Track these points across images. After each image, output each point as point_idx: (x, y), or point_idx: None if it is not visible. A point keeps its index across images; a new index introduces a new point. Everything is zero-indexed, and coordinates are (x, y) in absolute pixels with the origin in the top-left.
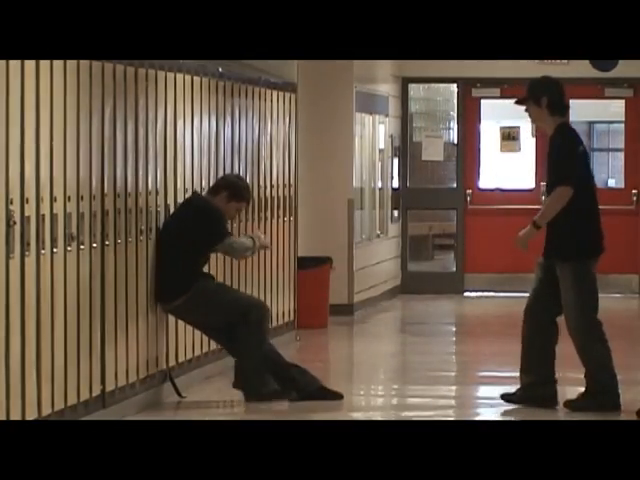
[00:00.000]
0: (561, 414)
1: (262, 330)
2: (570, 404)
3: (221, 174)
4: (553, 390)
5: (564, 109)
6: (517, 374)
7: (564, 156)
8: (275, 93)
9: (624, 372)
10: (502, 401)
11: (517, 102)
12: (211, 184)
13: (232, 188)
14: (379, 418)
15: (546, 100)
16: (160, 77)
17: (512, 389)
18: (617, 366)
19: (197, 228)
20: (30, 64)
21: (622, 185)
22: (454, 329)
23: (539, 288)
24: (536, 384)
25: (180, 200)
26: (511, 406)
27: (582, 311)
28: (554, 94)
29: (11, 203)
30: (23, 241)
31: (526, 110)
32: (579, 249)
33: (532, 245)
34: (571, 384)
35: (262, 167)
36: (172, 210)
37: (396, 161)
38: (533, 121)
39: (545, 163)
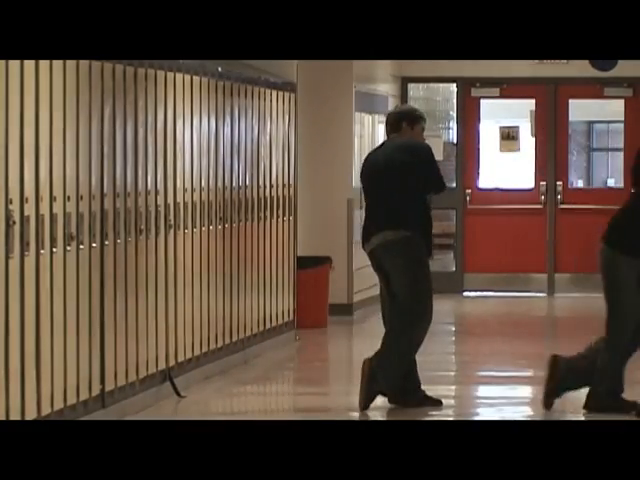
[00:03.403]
0: (561, 414)
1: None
2: None
3: (220, 174)
4: None
5: None
6: (516, 374)
7: None
8: (275, 93)
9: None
10: (502, 400)
11: None
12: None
13: (408, 116)
14: (378, 418)
15: None
16: (160, 77)
17: (512, 389)
18: None
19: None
20: (30, 64)
21: (621, 185)
22: (453, 329)
23: None
24: None
25: (180, 200)
26: (510, 406)
27: None
28: None
29: (10, 203)
30: (23, 241)
31: None
32: None
33: (531, 245)
34: None
35: (262, 167)
36: (172, 210)
37: None
38: None
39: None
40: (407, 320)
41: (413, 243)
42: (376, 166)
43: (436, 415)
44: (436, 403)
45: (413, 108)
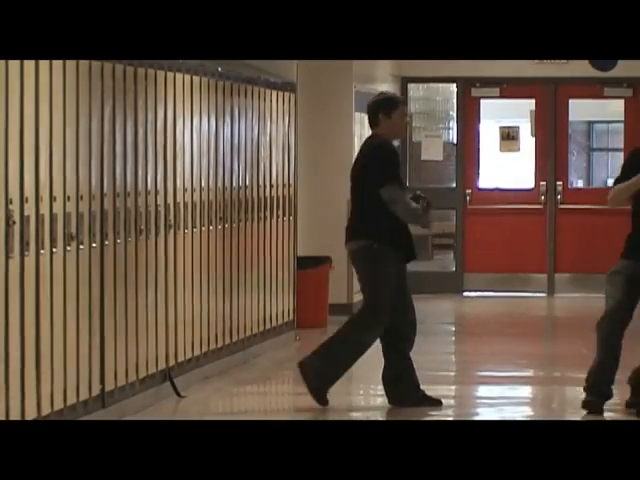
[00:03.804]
0: (561, 414)
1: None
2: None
3: (220, 174)
4: None
5: None
6: (516, 374)
7: None
8: (275, 93)
9: (623, 372)
10: (502, 400)
11: None
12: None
13: (383, 105)
14: (378, 418)
15: None
16: (160, 77)
17: (512, 389)
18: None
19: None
20: (29, 64)
21: None
22: (453, 329)
23: None
24: None
25: (180, 200)
26: (510, 406)
27: None
28: None
29: (10, 203)
30: (22, 241)
31: None
32: None
33: (531, 245)
34: None
35: (261, 167)
36: (172, 210)
37: None
38: None
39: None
40: (357, 325)
41: (372, 253)
42: (351, 172)
43: (436, 415)
44: (435, 403)
45: (387, 95)
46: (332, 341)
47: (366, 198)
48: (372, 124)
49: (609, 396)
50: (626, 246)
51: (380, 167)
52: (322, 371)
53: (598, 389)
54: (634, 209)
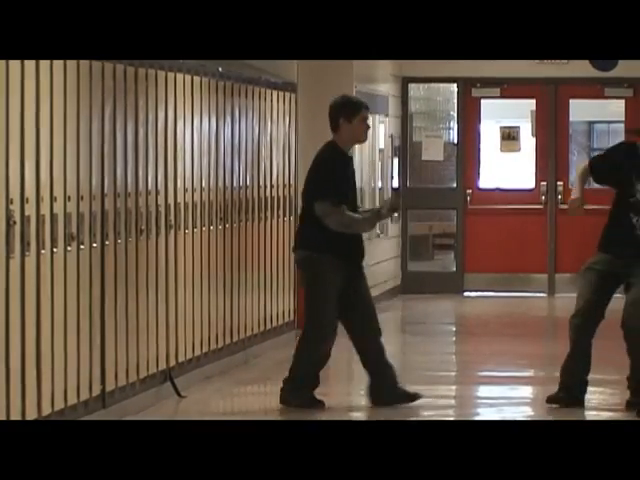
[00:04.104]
0: (561, 414)
1: None
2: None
3: (221, 174)
4: None
5: None
6: (516, 374)
7: None
8: (275, 93)
9: (623, 371)
10: (503, 400)
11: (632, 132)
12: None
13: (344, 109)
14: (379, 418)
15: None
16: (160, 77)
17: (512, 389)
18: (616, 365)
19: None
20: (30, 64)
21: None
22: (454, 329)
23: None
24: None
25: (180, 200)
26: (510, 406)
27: None
28: None
29: (11, 203)
30: (23, 241)
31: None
32: None
33: (531, 245)
34: None
35: (262, 167)
36: (173, 210)
37: (396, 161)
38: None
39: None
40: (307, 340)
41: (309, 263)
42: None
43: (436, 415)
44: (414, 398)
45: (349, 98)
46: (293, 361)
47: (307, 207)
48: (332, 128)
49: (578, 399)
50: (602, 239)
51: (316, 180)
52: (295, 387)
53: (567, 388)
54: (613, 201)
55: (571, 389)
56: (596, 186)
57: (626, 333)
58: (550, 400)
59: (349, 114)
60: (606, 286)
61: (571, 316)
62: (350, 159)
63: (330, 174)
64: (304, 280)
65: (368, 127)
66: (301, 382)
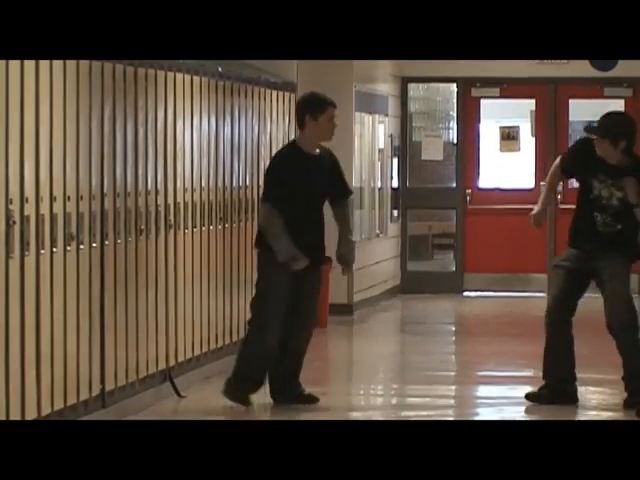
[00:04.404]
0: (560, 414)
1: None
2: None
3: (221, 174)
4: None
5: (634, 145)
6: (516, 374)
7: None
8: (275, 93)
9: (623, 372)
10: (502, 400)
11: (588, 131)
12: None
13: (310, 107)
14: (379, 418)
15: (624, 144)
16: (160, 77)
17: (512, 389)
18: (615, 365)
19: None
20: (30, 64)
21: None
22: (453, 329)
23: None
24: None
25: (180, 200)
26: (510, 406)
27: None
28: (632, 138)
29: (11, 203)
30: (23, 241)
31: (597, 142)
32: None
33: (531, 245)
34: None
35: (262, 167)
36: (172, 210)
37: (396, 161)
38: (600, 153)
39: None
40: (247, 341)
41: (259, 259)
42: None
43: (435, 415)
44: (314, 400)
45: (315, 95)
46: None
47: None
48: (299, 125)
49: (565, 394)
50: (569, 234)
51: (266, 181)
52: (236, 377)
53: (548, 386)
54: (577, 197)
55: (553, 387)
56: None
57: (611, 332)
58: (529, 397)
59: (315, 111)
60: (574, 282)
61: (545, 314)
62: (313, 158)
63: (276, 174)
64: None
65: (335, 125)
66: (241, 377)
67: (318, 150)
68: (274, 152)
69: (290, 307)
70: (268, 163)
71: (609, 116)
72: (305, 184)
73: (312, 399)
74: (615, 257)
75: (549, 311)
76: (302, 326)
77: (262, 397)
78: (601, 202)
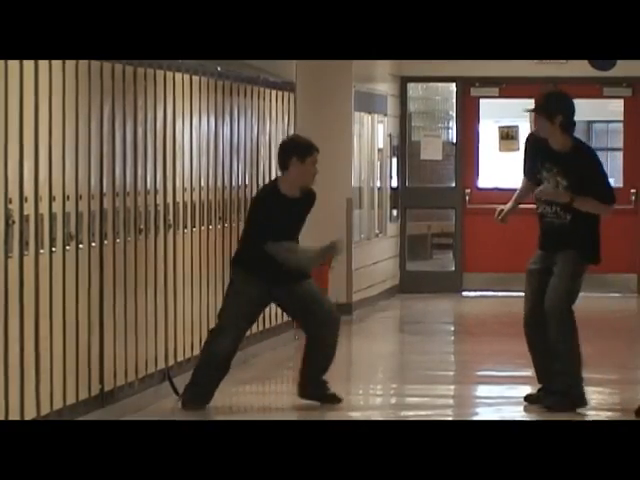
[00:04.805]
0: (560, 414)
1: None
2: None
3: (220, 173)
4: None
5: (574, 127)
6: (515, 374)
7: (605, 176)
8: (274, 92)
9: (622, 371)
10: (501, 400)
11: (529, 110)
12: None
13: (299, 149)
14: (378, 418)
15: (560, 118)
16: (159, 76)
17: (511, 389)
18: (615, 365)
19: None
20: (29, 64)
21: (621, 184)
22: (452, 328)
23: None
24: None
25: (179, 199)
26: (509, 405)
27: None
28: (568, 112)
29: (10, 202)
30: (22, 240)
31: (536, 121)
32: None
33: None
34: None
35: (261, 166)
36: (172, 209)
37: (395, 160)
38: (541, 134)
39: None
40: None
41: (232, 276)
42: None
43: (434, 415)
44: (338, 400)
45: (303, 139)
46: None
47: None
48: (282, 166)
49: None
50: (538, 237)
51: (253, 223)
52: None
53: (544, 388)
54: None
55: (546, 388)
56: None
57: (547, 317)
58: (528, 399)
59: (304, 154)
60: (543, 282)
61: (524, 320)
62: (292, 201)
63: (263, 215)
64: None
65: (316, 171)
66: (197, 380)
67: (298, 193)
68: (274, 150)
69: (305, 320)
70: (251, 206)
71: (546, 94)
72: (286, 224)
73: (336, 399)
74: (568, 256)
75: (526, 318)
76: (327, 326)
77: (262, 399)
78: None
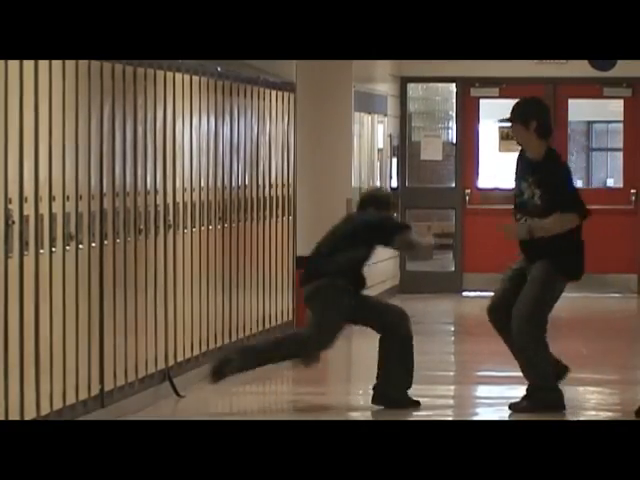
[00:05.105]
0: (560, 414)
1: None
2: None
3: (220, 173)
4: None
5: (551, 133)
6: (516, 374)
7: (570, 183)
8: (274, 93)
9: (622, 371)
10: (501, 400)
11: (503, 121)
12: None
13: (376, 202)
14: (377, 418)
15: (535, 124)
16: (159, 76)
17: (511, 389)
18: (615, 365)
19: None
20: (29, 64)
21: (621, 185)
22: (452, 329)
23: None
24: None
25: (179, 200)
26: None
27: None
28: (543, 118)
29: (10, 202)
30: (22, 240)
31: (512, 130)
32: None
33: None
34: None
35: (261, 167)
36: (172, 210)
37: (395, 161)
38: (518, 142)
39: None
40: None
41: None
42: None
43: (434, 415)
44: (417, 404)
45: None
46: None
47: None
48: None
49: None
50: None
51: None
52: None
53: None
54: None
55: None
56: (597, 186)
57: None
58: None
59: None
60: (515, 283)
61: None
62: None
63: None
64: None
65: None
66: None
67: None
68: (274, 150)
69: (380, 320)
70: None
71: (520, 101)
72: None
73: (415, 403)
74: (543, 265)
75: (488, 307)
76: (404, 319)
77: (262, 399)
78: (528, 204)
